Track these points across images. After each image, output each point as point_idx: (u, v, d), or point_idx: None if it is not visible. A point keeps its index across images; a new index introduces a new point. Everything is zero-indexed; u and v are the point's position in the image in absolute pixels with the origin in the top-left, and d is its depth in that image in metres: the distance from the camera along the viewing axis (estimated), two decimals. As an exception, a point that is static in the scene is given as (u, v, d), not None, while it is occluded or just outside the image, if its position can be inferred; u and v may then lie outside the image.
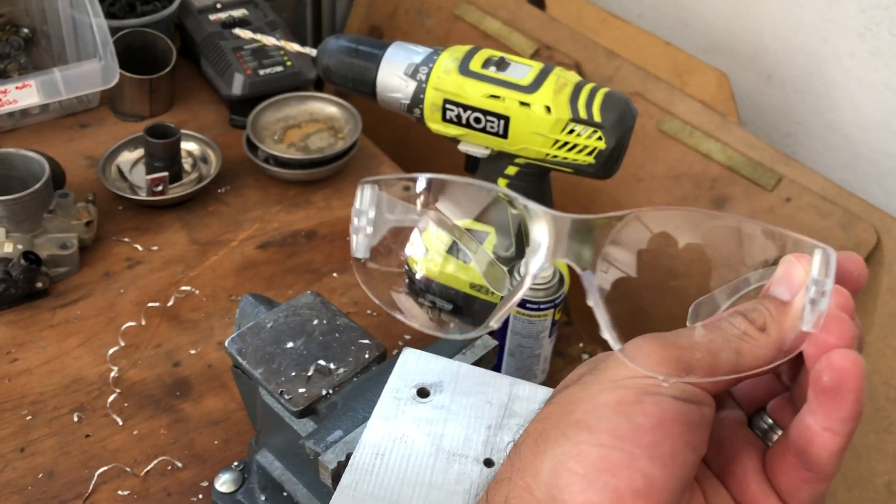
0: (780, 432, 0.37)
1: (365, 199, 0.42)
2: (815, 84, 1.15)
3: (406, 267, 0.46)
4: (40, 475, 0.71)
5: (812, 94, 1.16)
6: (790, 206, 1.04)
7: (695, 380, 0.34)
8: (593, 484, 0.32)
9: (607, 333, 0.36)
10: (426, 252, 0.45)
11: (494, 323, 0.40)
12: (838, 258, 0.34)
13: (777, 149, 1.07)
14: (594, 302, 0.36)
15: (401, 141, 1.21)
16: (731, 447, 0.37)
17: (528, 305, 0.72)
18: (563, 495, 0.33)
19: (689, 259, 0.37)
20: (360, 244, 0.42)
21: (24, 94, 0.95)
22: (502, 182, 0.73)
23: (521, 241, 0.39)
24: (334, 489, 0.51)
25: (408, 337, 0.84)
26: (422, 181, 0.42)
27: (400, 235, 0.45)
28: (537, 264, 0.38)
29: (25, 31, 1.12)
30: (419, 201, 0.43)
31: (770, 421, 0.38)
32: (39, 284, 0.84)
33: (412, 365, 0.53)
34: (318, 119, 1.05)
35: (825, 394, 0.32)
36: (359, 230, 0.42)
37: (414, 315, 0.45)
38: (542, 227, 0.38)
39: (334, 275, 0.91)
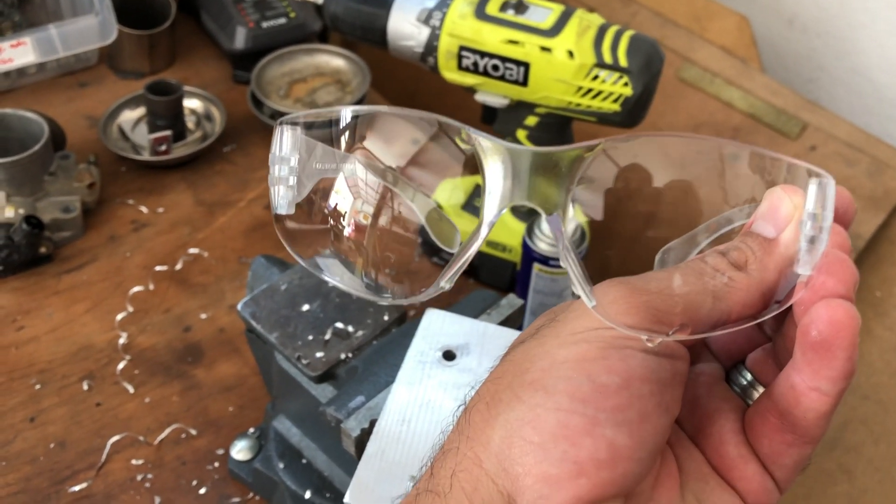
0: (761, 389, 0.33)
1: (285, 143, 0.35)
2: (839, 27, 1.10)
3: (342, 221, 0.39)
4: (52, 445, 0.69)
5: (835, 37, 1.11)
6: (815, 155, 1.00)
7: (681, 337, 0.30)
8: (550, 454, 0.28)
9: (580, 289, 0.31)
10: (354, 202, 0.37)
11: (446, 283, 0.34)
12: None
13: (801, 95, 1.03)
14: (564, 251, 0.31)
15: (410, 93, 1.18)
16: (707, 406, 0.33)
17: (550, 263, 0.69)
18: (516, 467, 0.29)
19: (675, 197, 0.32)
20: (281, 198, 0.35)
21: (20, 53, 0.91)
22: (521, 134, 0.70)
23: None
24: (357, 457, 0.49)
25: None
26: (346, 115, 0.36)
27: (330, 184, 0.37)
28: (493, 209, 0.32)
29: (18, -13, 1.08)
30: (343, 141, 0.36)
31: (750, 376, 0.34)
32: (43, 249, 0.81)
33: (436, 327, 0.51)
34: (325, 73, 1.01)
35: (813, 350, 0.28)
36: (279, 181, 0.35)
37: (346, 280, 0.38)
38: (496, 164, 0.32)
39: (346, 234, 0.88)
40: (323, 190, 0.37)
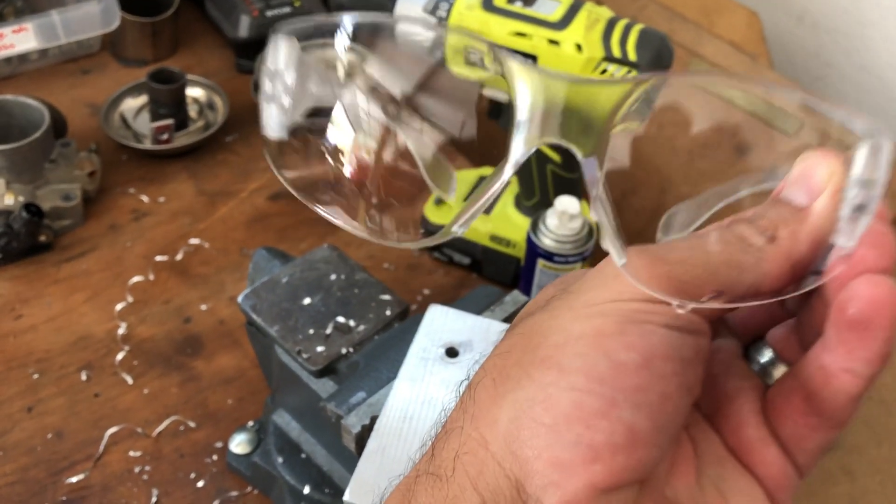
0: (782, 368, 0.31)
1: (281, 56, 0.30)
2: (849, 24, 1.09)
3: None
4: (49, 436, 0.68)
5: (845, 34, 1.10)
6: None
7: (715, 305, 0.27)
8: (563, 437, 0.26)
9: (611, 243, 0.28)
10: (355, 136, 0.33)
11: (458, 228, 0.30)
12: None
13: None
14: (597, 200, 0.28)
15: (414, 86, 1.17)
16: (726, 385, 0.31)
17: (555, 258, 0.69)
18: (525, 450, 0.27)
19: (711, 152, 0.29)
20: (273, 119, 0.31)
21: (22, 39, 0.91)
22: (528, 127, 0.69)
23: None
24: (357, 453, 0.49)
25: (427, 292, 0.81)
26: (347, 24, 0.30)
27: (327, 112, 0.33)
28: (520, 147, 0.28)
29: (21, -28, 1.07)
30: (342, 63, 0.31)
31: (771, 354, 0.31)
32: (42, 238, 0.81)
33: (439, 323, 0.50)
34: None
35: (850, 328, 0.26)
36: (272, 98, 0.31)
37: (342, 215, 0.33)
38: (525, 93, 0.28)
39: (349, 226, 0.87)
40: (320, 120, 0.33)
